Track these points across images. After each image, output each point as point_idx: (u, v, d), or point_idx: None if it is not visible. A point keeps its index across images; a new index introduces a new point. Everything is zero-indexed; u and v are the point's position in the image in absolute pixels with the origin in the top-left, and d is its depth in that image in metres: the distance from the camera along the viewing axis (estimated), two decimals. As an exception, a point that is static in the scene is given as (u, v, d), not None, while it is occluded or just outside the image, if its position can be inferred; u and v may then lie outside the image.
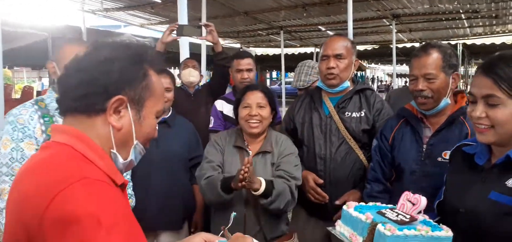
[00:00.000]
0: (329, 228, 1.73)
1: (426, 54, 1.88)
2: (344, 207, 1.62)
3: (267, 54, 17.00)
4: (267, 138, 2.19)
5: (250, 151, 2.18)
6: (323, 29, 11.71)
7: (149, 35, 9.58)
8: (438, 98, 1.89)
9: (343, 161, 2.24)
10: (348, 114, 2.28)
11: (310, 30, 12.53)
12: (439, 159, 1.89)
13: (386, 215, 1.50)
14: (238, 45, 15.89)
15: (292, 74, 24.51)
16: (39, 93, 15.74)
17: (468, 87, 15.92)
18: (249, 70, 3.02)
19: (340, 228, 1.63)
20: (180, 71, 3.44)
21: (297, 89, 3.29)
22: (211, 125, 3.00)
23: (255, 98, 2.15)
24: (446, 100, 1.91)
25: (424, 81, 1.87)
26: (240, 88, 2.95)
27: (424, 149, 1.94)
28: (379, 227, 1.39)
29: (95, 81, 0.96)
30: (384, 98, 3.10)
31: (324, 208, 2.28)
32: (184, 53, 4.60)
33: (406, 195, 1.52)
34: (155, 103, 1.06)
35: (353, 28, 7.62)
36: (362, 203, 1.66)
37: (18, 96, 15.27)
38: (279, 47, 13.52)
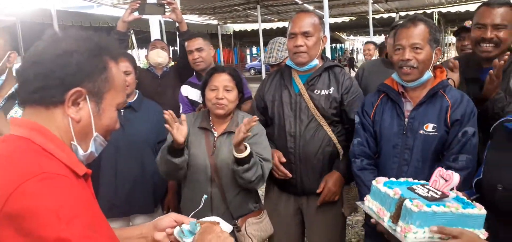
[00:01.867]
0: (358, 203, 1.77)
1: (414, 25, 1.93)
2: (373, 182, 1.62)
3: (245, 30, 16.87)
4: (233, 119, 2.21)
5: (215, 132, 2.20)
6: (300, 2, 11.65)
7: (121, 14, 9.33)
8: (423, 69, 1.94)
9: (312, 138, 2.26)
10: (317, 92, 2.29)
11: (287, 4, 12.45)
12: (421, 132, 1.94)
13: (416, 191, 1.48)
14: (215, 22, 15.67)
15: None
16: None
17: (445, 55, 16.13)
18: (199, 49, 2.92)
19: (369, 203, 1.64)
20: (148, 52, 3.37)
21: (269, 66, 3.28)
22: (181, 111, 2.95)
23: (222, 81, 2.14)
24: (429, 73, 1.96)
25: (411, 51, 1.91)
26: (195, 69, 2.95)
27: (405, 123, 1.98)
28: (406, 202, 1.38)
29: (52, 74, 0.95)
30: (356, 71, 3.11)
31: (294, 184, 2.32)
32: (155, 33, 4.51)
33: (439, 171, 1.49)
34: (115, 95, 1.06)
35: (329, 1, 7.56)
36: (392, 179, 1.65)
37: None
38: (257, 22, 13.37)
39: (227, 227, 1.43)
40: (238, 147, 1.96)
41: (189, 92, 2.96)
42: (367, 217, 1.94)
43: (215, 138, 2.17)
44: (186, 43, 2.95)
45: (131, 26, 2.97)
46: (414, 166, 1.94)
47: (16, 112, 1.99)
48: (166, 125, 1.95)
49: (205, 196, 1.57)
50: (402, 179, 1.66)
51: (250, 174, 2.01)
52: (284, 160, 2.28)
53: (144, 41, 8.98)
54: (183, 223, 1.32)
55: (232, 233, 2.06)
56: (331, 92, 2.29)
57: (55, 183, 0.87)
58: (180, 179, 2.21)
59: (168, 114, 1.94)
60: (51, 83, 0.95)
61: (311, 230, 2.44)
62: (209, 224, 1.22)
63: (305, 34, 2.23)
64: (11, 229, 0.81)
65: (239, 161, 1.98)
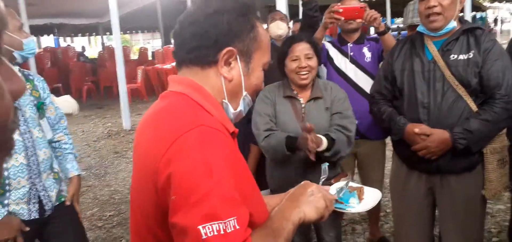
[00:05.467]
0: None
1: None
2: None
3: (370, 0, 15.91)
4: (315, 85, 2.26)
5: (301, 99, 2.26)
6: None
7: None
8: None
9: (450, 110, 2.01)
10: (453, 57, 2.02)
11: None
12: None
13: None
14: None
15: (399, 19, 22.79)
16: (153, 54, 17.10)
17: None
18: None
19: None
20: (268, 25, 3.39)
21: (408, 28, 3.04)
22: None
23: (303, 49, 2.18)
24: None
25: None
26: (345, 28, 2.90)
27: None
28: None
29: (206, 34, 1.00)
30: (510, 40, 2.67)
31: (427, 161, 2.08)
32: (281, 6, 4.52)
33: None
34: (262, 55, 1.08)
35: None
36: None
37: (135, 57, 16.78)
38: (382, -9, 12.56)
39: (375, 192, 1.37)
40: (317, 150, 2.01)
41: (330, 49, 3.00)
42: None
43: (303, 105, 2.24)
44: (341, 3, 2.91)
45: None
46: None
47: None
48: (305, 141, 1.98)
49: (326, 163, 1.56)
50: None
51: (334, 157, 2.11)
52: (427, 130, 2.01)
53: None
54: None
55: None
56: (471, 56, 1.99)
57: (213, 137, 0.92)
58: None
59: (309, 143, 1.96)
60: (206, 42, 1.00)
61: (444, 213, 2.20)
62: (305, 183, 1.18)
63: None
64: (171, 172, 0.88)
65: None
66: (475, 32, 2.06)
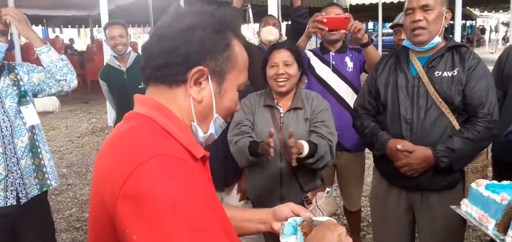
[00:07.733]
0: (453, 207, 1.65)
1: None
2: (473, 185, 1.52)
3: (363, 4, 15.98)
4: (297, 95, 2.24)
5: (280, 109, 2.24)
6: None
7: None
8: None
9: (433, 127, 1.99)
10: (438, 74, 2.01)
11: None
12: None
13: None
14: (331, -4, 15.16)
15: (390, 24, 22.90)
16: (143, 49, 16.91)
17: None
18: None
19: (467, 208, 1.54)
20: (260, 28, 3.33)
21: (391, 27, 3.07)
22: None
23: (282, 56, 2.17)
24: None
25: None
26: (328, 38, 2.89)
27: None
28: None
29: (176, 50, 0.92)
30: (500, 56, 2.67)
31: (408, 177, 2.06)
32: (272, 6, 4.47)
33: None
34: (237, 75, 1.00)
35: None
36: (494, 181, 1.56)
37: (125, 51, 16.56)
38: (377, -5, 12.66)
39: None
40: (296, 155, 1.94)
41: (311, 57, 2.96)
42: None
43: (282, 115, 2.22)
44: (325, 12, 2.80)
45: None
46: None
47: None
48: (266, 145, 1.92)
49: (328, 189, 1.54)
50: (505, 182, 1.51)
51: (318, 163, 2.05)
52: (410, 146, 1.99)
53: (261, 15, 9.10)
54: (298, 215, 1.23)
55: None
56: (455, 74, 1.99)
57: (174, 167, 0.83)
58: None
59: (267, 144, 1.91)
60: (175, 60, 0.92)
61: (424, 231, 2.18)
62: (330, 223, 1.03)
63: (424, 8, 1.96)
64: (131, 208, 0.79)
65: (306, 157, 2.00)
66: (460, 50, 2.05)
